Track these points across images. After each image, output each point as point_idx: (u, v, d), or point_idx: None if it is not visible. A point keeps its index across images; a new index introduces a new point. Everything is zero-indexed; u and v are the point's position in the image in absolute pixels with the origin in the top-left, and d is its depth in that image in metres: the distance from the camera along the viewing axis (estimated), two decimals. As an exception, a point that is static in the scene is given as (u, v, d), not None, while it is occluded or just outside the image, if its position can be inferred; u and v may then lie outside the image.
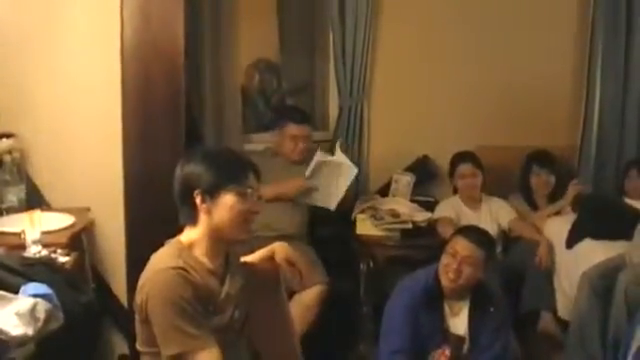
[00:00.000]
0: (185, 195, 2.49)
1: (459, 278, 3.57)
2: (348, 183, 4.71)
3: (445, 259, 3.62)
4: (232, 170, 2.51)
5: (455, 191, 5.05)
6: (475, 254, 3.57)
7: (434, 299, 3.64)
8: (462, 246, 3.58)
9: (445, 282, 3.61)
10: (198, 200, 2.47)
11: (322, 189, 4.66)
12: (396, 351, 3.57)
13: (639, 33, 5.30)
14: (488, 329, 3.62)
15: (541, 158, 5.12)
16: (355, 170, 4.73)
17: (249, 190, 2.51)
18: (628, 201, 4.70)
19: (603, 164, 5.38)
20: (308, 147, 4.75)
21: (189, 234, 2.53)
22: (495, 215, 4.89)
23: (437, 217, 4.82)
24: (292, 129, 4.73)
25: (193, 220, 2.51)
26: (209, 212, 2.48)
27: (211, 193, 2.47)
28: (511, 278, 4.47)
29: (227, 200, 2.47)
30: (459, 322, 3.66)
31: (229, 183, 2.48)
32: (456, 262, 3.56)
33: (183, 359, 2.35)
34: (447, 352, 3.59)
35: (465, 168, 4.92)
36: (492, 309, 3.64)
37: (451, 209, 4.88)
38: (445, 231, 4.53)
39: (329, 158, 4.70)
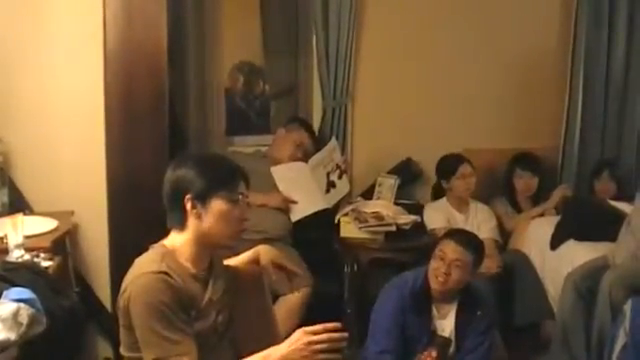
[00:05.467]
0: (175, 199, 2.48)
1: (448, 281, 3.58)
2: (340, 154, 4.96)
3: (434, 262, 3.62)
4: (223, 176, 2.51)
5: (442, 194, 5.04)
6: (464, 257, 3.57)
7: (422, 301, 3.65)
8: (451, 249, 3.58)
9: (434, 285, 3.62)
10: (188, 205, 2.46)
11: (305, 196, 4.68)
12: (384, 351, 3.59)
13: (622, 37, 5.33)
14: (474, 332, 3.63)
15: (524, 160, 5.15)
16: (333, 140, 4.96)
17: (240, 197, 2.51)
18: (611, 202, 4.72)
19: (585, 165, 5.39)
20: (301, 159, 4.83)
21: (174, 238, 2.52)
22: (478, 224, 4.89)
23: (433, 228, 4.81)
24: (302, 136, 4.87)
25: (181, 224, 2.50)
26: (199, 217, 2.47)
27: (202, 199, 2.46)
28: (500, 285, 4.49)
29: (218, 206, 2.47)
30: (446, 324, 3.67)
31: (220, 189, 2.47)
32: (445, 265, 3.57)
33: None
34: (433, 354, 3.61)
35: (466, 168, 4.91)
36: (479, 312, 3.65)
37: (442, 215, 4.89)
38: None
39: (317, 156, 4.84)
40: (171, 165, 2.56)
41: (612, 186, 5.05)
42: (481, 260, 3.74)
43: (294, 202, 4.62)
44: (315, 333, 2.31)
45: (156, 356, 2.33)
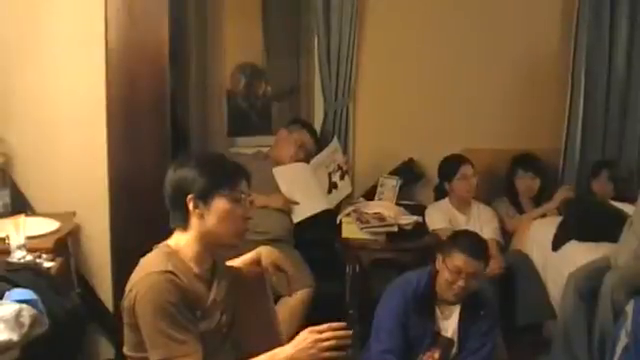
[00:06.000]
0: (177, 199, 2.48)
1: (464, 293, 3.58)
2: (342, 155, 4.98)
3: (446, 274, 3.57)
4: (225, 175, 2.51)
5: (444, 195, 5.04)
6: (478, 268, 3.56)
7: (426, 302, 3.64)
8: (464, 263, 3.53)
9: (447, 295, 3.61)
10: (191, 205, 2.46)
11: (307, 197, 4.68)
12: (387, 350, 3.58)
13: (623, 39, 5.33)
14: (477, 332, 3.62)
15: (526, 162, 5.15)
16: (335, 141, 4.97)
17: (242, 195, 2.51)
18: (613, 203, 4.72)
19: (587, 167, 5.38)
20: (303, 160, 4.85)
21: (178, 238, 2.52)
22: (480, 225, 4.89)
23: (435, 228, 4.82)
24: (304, 136, 4.88)
25: (184, 224, 2.50)
26: (202, 217, 2.47)
27: (204, 198, 2.46)
28: (501, 285, 4.49)
29: (220, 205, 2.47)
30: (449, 324, 3.66)
31: (222, 188, 2.48)
32: (461, 279, 3.53)
33: None
34: (436, 355, 3.60)
35: (467, 169, 4.91)
36: (482, 313, 3.65)
37: (444, 216, 4.89)
38: None
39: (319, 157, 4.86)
40: (171, 166, 2.56)
41: (610, 187, 5.05)
42: (488, 260, 3.73)
43: (296, 203, 4.62)
44: (320, 332, 2.32)
45: (162, 356, 2.33)
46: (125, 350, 2.50)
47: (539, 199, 5.14)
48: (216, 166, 2.55)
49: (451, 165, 4.97)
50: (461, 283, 3.54)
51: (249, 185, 2.57)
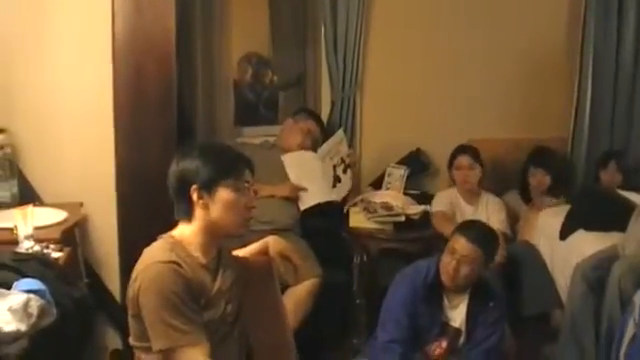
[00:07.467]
0: (181, 190, 2.49)
1: (457, 276, 3.57)
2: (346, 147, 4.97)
3: (445, 256, 3.61)
4: (229, 165, 2.52)
5: (454, 183, 5.04)
6: (473, 254, 3.56)
7: (434, 291, 3.65)
8: (461, 245, 3.57)
9: (444, 278, 3.62)
10: (195, 196, 2.47)
11: (315, 184, 4.68)
12: (393, 340, 3.59)
13: (631, 27, 5.31)
14: (485, 323, 3.64)
15: (538, 157, 5.12)
16: (341, 132, 4.96)
17: (246, 184, 2.52)
18: (621, 192, 4.70)
19: (594, 156, 5.37)
20: (310, 148, 4.84)
21: (182, 229, 2.53)
22: (487, 215, 4.88)
23: (434, 211, 4.82)
24: (310, 124, 4.88)
25: (189, 215, 2.51)
26: (206, 207, 2.48)
27: (208, 188, 2.47)
28: (508, 276, 4.48)
29: (224, 195, 2.48)
30: (457, 314, 3.68)
31: (226, 178, 2.48)
32: (454, 260, 3.56)
33: (172, 354, 2.34)
34: (443, 344, 3.61)
35: (462, 159, 4.91)
36: (491, 304, 3.65)
37: (448, 202, 4.88)
38: (440, 225, 4.56)
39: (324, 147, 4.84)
40: (175, 157, 2.56)
41: (618, 177, 5.04)
42: (494, 252, 3.72)
43: (304, 189, 4.61)
44: None
45: (164, 346, 2.33)
46: (131, 340, 2.52)
47: (550, 193, 5.11)
48: (219, 156, 2.55)
49: (451, 155, 4.99)
50: (453, 264, 3.55)
51: (252, 174, 2.58)
